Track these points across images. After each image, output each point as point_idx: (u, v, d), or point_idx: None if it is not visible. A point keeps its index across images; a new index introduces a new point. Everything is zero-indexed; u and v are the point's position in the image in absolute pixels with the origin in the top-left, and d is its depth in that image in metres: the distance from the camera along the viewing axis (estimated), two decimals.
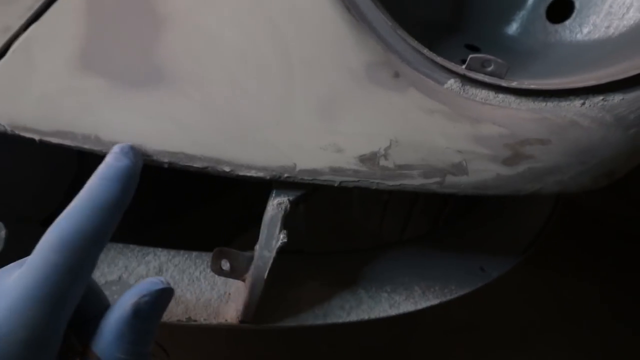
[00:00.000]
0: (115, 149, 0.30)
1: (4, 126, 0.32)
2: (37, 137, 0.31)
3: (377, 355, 1.01)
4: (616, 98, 0.33)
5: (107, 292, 0.36)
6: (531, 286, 1.18)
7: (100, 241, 0.26)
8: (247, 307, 0.34)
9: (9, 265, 0.27)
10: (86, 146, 0.32)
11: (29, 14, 0.34)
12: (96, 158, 0.31)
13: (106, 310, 0.26)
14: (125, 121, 0.32)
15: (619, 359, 1.07)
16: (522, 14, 0.50)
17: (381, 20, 0.36)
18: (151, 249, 0.38)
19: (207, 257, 0.39)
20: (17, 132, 0.31)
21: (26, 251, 0.26)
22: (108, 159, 0.29)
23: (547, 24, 0.48)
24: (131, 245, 0.38)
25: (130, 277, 0.37)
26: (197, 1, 0.35)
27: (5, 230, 0.33)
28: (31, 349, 0.23)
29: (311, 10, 0.35)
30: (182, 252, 0.39)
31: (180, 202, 0.52)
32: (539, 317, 1.17)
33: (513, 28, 0.50)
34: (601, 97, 0.33)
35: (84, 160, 0.43)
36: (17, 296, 0.24)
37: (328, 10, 0.35)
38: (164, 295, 0.26)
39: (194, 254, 0.39)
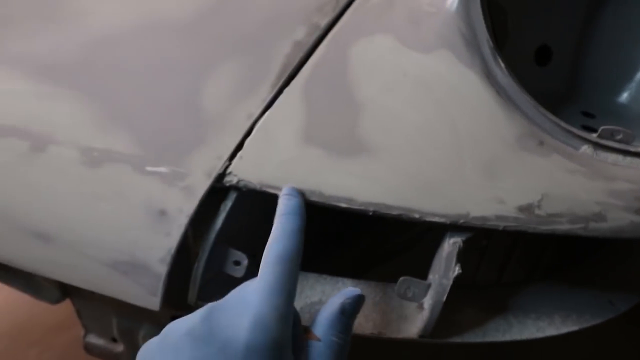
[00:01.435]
0: (285, 191, 0.42)
1: (254, 184, 0.44)
2: (278, 192, 0.44)
3: None
4: None
5: (312, 311, 0.47)
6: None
7: (299, 257, 0.37)
8: (427, 325, 0.44)
9: (244, 283, 0.37)
10: (312, 199, 0.43)
11: (264, 104, 0.47)
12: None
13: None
14: (340, 180, 0.44)
15: None
16: (631, 85, 0.58)
17: (524, 99, 0.46)
18: (340, 278, 0.49)
19: (383, 287, 0.49)
20: (264, 189, 0.44)
21: None
22: (283, 199, 0.41)
23: None
24: (324, 275, 0.49)
25: (328, 298, 0.47)
26: (383, 89, 0.47)
27: (247, 259, 0.45)
28: (281, 343, 0.32)
29: (470, 94, 0.46)
30: (362, 280, 0.49)
31: (334, 241, 0.64)
32: None
33: (624, 97, 0.59)
34: None
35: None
36: (258, 302, 0.33)
37: (483, 94, 0.46)
38: (360, 300, 0.37)
39: (373, 282, 0.49)
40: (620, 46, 0.59)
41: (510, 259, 0.66)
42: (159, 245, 0.43)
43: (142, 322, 0.59)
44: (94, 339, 0.63)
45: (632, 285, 0.50)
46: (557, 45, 0.61)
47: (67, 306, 0.70)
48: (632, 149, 0.43)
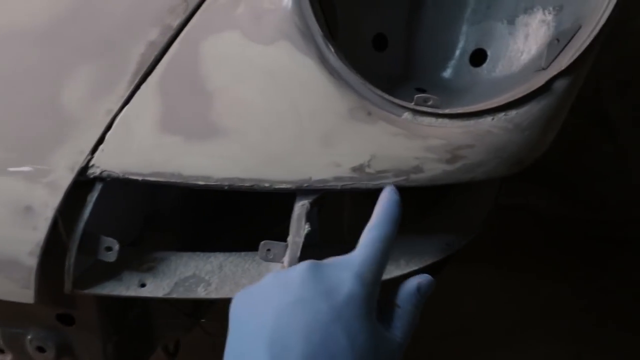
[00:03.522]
0: (388, 187, 0.48)
1: (117, 173, 0.48)
2: (140, 178, 0.48)
3: None
4: (513, 112, 0.51)
5: (186, 284, 0.51)
6: (512, 289, 1.33)
7: (392, 240, 0.43)
8: None
9: (333, 258, 0.42)
10: (172, 180, 0.48)
11: (122, 100, 0.51)
12: (166, 192, 0.47)
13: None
14: (197, 161, 0.49)
15: (590, 346, 1.21)
16: (453, 62, 0.69)
17: (354, 78, 0.53)
18: (212, 253, 0.54)
19: (251, 255, 0.54)
20: (127, 176, 0.48)
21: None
22: (387, 191, 0.47)
23: (471, 68, 0.67)
24: (197, 252, 0.54)
25: (201, 272, 0.52)
26: (232, 79, 0.53)
27: (118, 245, 0.49)
28: (373, 298, 0.39)
29: (308, 77, 0.53)
30: (234, 252, 0.54)
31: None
32: (520, 316, 1.31)
33: (448, 73, 0.69)
34: (503, 113, 0.51)
35: (156, 198, 0.59)
36: (360, 264, 0.40)
37: (319, 76, 0.53)
38: (432, 283, 0.44)
39: (242, 253, 0.54)
40: (442, 29, 0.69)
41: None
42: (27, 240, 0.46)
43: (27, 328, 0.60)
44: None
45: (462, 229, 0.60)
46: (390, 33, 0.70)
47: None
48: (441, 111, 0.52)
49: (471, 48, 0.68)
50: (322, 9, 0.57)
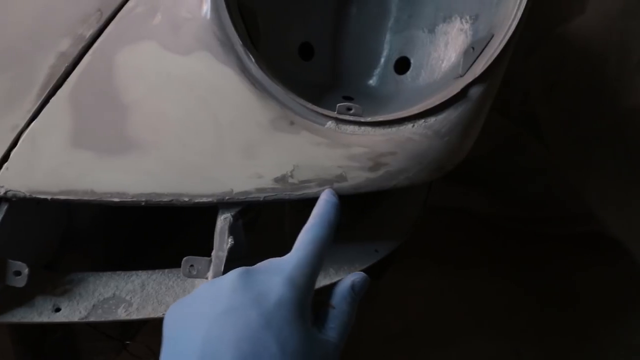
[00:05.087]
0: (325, 192, 0.48)
1: (23, 193, 0.45)
2: (49, 197, 0.45)
3: None
4: (432, 119, 0.52)
5: (105, 306, 0.49)
6: (458, 289, 1.36)
7: (328, 244, 0.44)
8: None
9: (273, 258, 0.42)
10: (85, 198, 0.46)
11: (29, 114, 0.48)
12: (84, 210, 0.45)
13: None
14: (111, 177, 0.47)
15: (527, 343, 1.26)
16: (378, 71, 0.70)
17: (276, 88, 0.53)
18: (134, 272, 0.52)
19: (175, 272, 0.53)
20: (34, 195, 0.45)
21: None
22: (325, 196, 0.48)
23: (396, 76, 0.68)
24: (118, 272, 0.52)
25: (122, 292, 0.50)
26: (148, 91, 0.51)
27: (28, 268, 0.46)
28: (305, 302, 0.39)
29: (228, 88, 0.52)
30: (157, 270, 0.52)
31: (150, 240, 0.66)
32: (465, 316, 1.34)
33: (374, 81, 0.70)
34: (423, 120, 0.52)
35: (72, 216, 0.56)
36: (291, 267, 0.39)
37: (239, 86, 0.52)
38: (366, 280, 0.44)
39: (166, 270, 0.53)
40: (367, 38, 0.70)
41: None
42: None
43: None
44: None
45: (391, 234, 0.61)
46: (316, 42, 0.70)
47: None
48: (363, 119, 0.53)
49: (395, 56, 0.69)
50: (243, 18, 0.56)
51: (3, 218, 0.45)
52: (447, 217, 1.40)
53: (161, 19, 0.55)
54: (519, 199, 1.45)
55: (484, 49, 0.54)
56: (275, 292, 0.38)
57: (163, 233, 0.65)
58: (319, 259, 0.42)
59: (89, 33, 0.55)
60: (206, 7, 0.53)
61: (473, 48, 0.56)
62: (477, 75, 0.51)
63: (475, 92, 0.52)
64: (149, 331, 0.51)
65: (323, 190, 0.50)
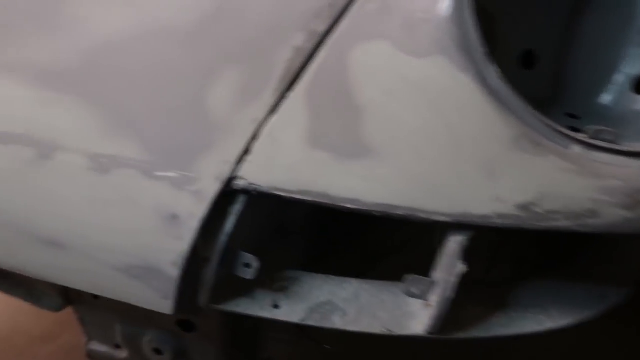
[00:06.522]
0: None
1: (264, 188, 0.45)
2: (287, 195, 0.45)
3: None
4: None
5: (321, 311, 0.48)
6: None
7: None
8: (435, 321, 0.45)
9: None
10: (319, 200, 0.45)
11: (269, 108, 0.48)
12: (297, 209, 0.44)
13: None
14: (346, 182, 0.45)
15: None
16: (611, 87, 0.62)
17: (517, 102, 0.48)
18: (345, 279, 0.51)
19: (387, 285, 0.50)
20: (274, 191, 0.45)
21: None
22: None
23: (634, 95, 0.60)
24: (331, 276, 0.51)
25: (337, 299, 0.49)
26: (382, 93, 0.48)
27: (258, 262, 0.46)
28: None
29: (465, 97, 0.48)
30: (367, 280, 0.51)
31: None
32: None
33: (605, 98, 0.62)
34: None
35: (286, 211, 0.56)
36: None
37: (477, 96, 0.48)
38: None
39: (377, 282, 0.51)
40: (600, 50, 0.62)
41: (496, 256, 0.68)
42: (171, 249, 0.44)
43: (146, 328, 0.59)
44: (97, 346, 0.63)
45: (621, 279, 0.53)
46: (541, 50, 0.63)
47: (51, 316, 0.68)
48: (619, 148, 0.46)
49: (636, 73, 0.60)
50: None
51: (242, 210, 0.46)
52: None
53: (395, 18, 0.53)
54: None
55: None
56: None
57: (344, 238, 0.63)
58: None
59: (321, 28, 0.54)
60: (446, 4, 0.49)
61: None
62: None
63: None
64: None
65: (572, 225, 0.44)
